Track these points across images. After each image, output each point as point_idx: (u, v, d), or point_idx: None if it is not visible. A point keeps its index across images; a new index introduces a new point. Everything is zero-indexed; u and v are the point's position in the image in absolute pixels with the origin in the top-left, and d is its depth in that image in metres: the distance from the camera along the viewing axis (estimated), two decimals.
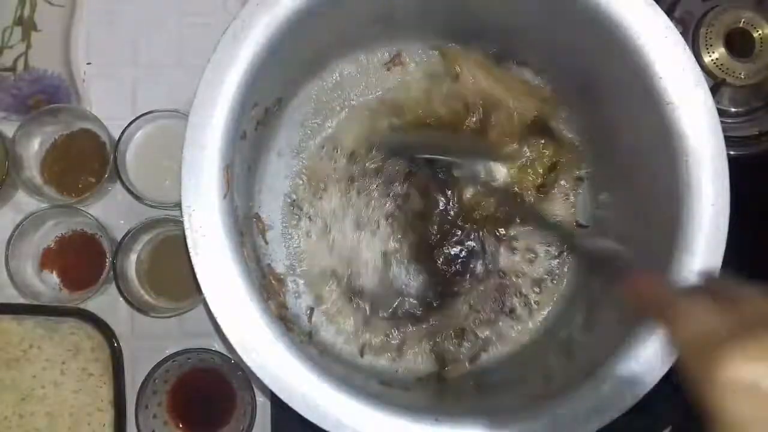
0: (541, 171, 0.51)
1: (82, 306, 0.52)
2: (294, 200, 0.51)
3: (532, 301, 0.51)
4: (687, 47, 0.40)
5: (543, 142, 0.51)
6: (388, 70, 0.52)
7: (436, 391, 0.47)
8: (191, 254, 0.38)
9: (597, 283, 0.47)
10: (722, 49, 0.56)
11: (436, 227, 0.50)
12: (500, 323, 0.50)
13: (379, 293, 0.50)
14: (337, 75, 0.52)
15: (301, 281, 0.51)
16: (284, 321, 0.44)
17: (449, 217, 0.51)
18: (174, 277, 0.53)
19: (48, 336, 0.52)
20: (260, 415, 0.51)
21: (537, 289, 0.51)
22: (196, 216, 0.38)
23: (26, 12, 0.56)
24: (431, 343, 0.50)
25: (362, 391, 0.38)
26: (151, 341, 0.53)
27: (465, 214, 0.51)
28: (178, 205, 0.40)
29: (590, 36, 0.43)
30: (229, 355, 0.50)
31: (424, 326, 0.50)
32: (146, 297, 0.54)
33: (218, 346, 0.53)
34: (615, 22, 0.41)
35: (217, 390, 0.52)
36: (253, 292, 0.38)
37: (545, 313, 0.51)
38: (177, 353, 0.50)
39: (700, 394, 0.23)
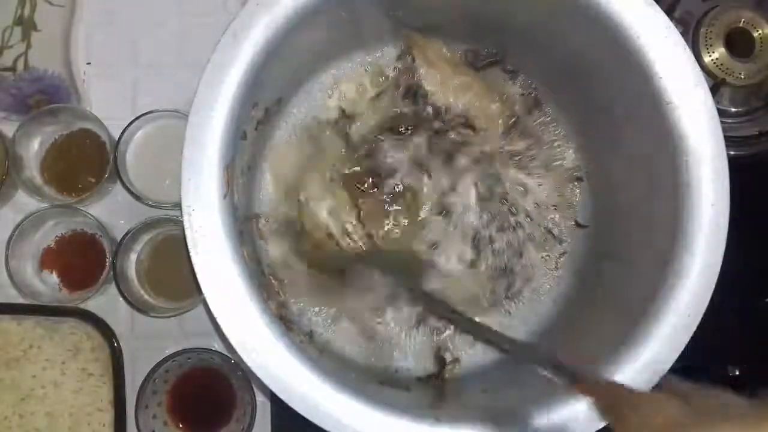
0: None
1: (82, 306, 0.52)
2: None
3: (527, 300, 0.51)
4: (687, 47, 0.40)
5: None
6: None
7: (436, 391, 0.47)
8: (191, 254, 0.38)
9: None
10: (722, 49, 0.56)
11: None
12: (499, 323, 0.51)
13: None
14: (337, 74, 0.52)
15: None
16: (284, 321, 0.44)
17: None
18: (174, 277, 0.53)
19: (48, 336, 0.52)
20: (260, 415, 0.51)
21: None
22: (196, 216, 0.38)
23: (26, 12, 0.56)
24: (432, 342, 0.50)
25: (362, 391, 0.38)
26: (151, 341, 0.53)
27: None
28: (178, 205, 0.40)
29: (590, 36, 0.43)
30: (229, 355, 0.50)
31: (424, 325, 0.50)
32: (146, 297, 0.54)
33: (218, 346, 0.53)
34: (615, 22, 0.41)
35: (217, 390, 0.52)
36: (253, 292, 0.38)
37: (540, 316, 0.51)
38: (177, 353, 0.50)
39: None
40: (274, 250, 0.49)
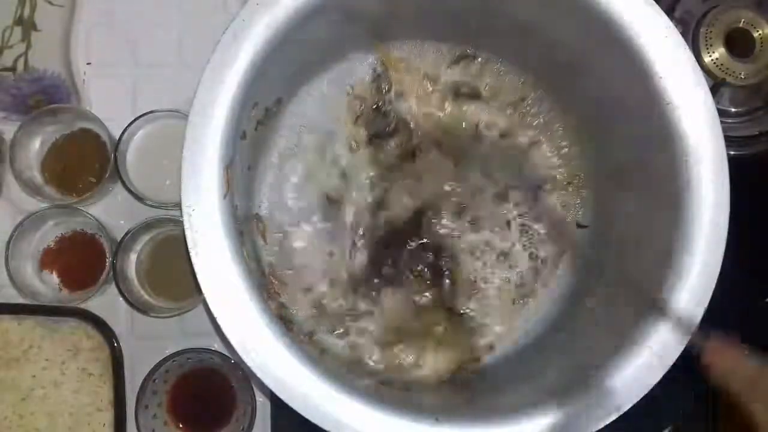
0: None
1: (82, 306, 0.52)
2: None
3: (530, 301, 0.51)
4: (687, 47, 0.40)
5: None
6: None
7: (437, 391, 0.47)
8: (191, 254, 0.38)
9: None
10: (722, 49, 0.56)
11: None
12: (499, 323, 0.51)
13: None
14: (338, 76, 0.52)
15: None
16: (284, 321, 0.44)
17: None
18: (174, 277, 0.53)
19: (48, 336, 0.52)
20: (260, 415, 0.51)
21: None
22: (196, 216, 0.38)
23: (26, 12, 0.56)
24: (432, 341, 0.50)
25: (362, 391, 0.38)
26: (151, 341, 0.53)
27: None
28: (178, 205, 0.40)
29: (590, 36, 0.43)
30: (229, 355, 0.50)
31: (425, 324, 0.50)
32: (146, 297, 0.54)
33: (218, 346, 0.53)
34: (615, 22, 0.41)
35: (217, 390, 0.52)
36: (253, 292, 0.38)
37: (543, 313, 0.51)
38: (177, 353, 0.50)
39: None
40: None
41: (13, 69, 0.56)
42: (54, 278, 0.54)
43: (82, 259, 0.54)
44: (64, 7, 0.56)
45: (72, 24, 0.56)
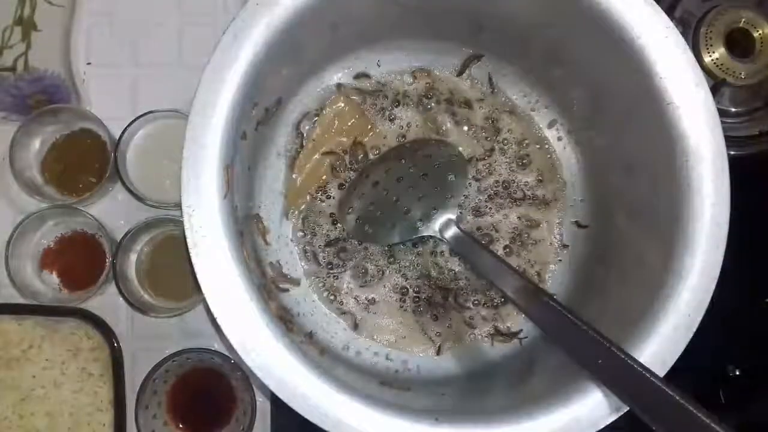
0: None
1: (82, 306, 0.52)
2: None
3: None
4: (687, 47, 0.40)
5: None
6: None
7: (437, 392, 0.47)
8: (191, 254, 0.37)
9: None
10: (722, 49, 0.56)
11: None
12: (498, 323, 0.51)
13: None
14: (339, 75, 0.52)
15: None
16: (284, 321, 0.44)
17: None
18: (174, 277, 0.53)
19: (48, 336, 0.52)
20: (260, 415, 0.51)
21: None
22: (196, 216, 0.38)
23: (26, 12, 0.56)
24: (432, 341, 0.50)
25: (362, 391, 0.38)
26: (151, 341, 0.53)
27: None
28: (178, 205, 0.40)
29: (590, 36, 0.43)
30: (229, 355, 0.50)
31: (425, 323, 0.50)
32: (146, 297, 0.54)
33: (218, 346, 0.53)
34: (615, 22, 0.41)
35: (217, 390, 0.52)
36: (253, 292, 0.38)
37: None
38: (177, 353, 0.50)
39: None
40: None
41: (13, 69, 0.56)
42: (54, 278, 0.54)
43: (82, 259, 0.54)
44: (64, 7, 0.56)
45: (72, 24, 0.56)
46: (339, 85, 0.51)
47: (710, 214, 0.39)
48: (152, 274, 0.54)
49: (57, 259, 0.54)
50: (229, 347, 0.38)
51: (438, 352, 0.50)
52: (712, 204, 0.39)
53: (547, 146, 0.52)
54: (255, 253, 0.47)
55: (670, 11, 0.57)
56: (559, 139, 0.52)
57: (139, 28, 0.57)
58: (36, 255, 0.54)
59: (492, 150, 0.52)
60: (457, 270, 0.51)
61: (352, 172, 0.51)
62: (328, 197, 0.51)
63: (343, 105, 0.51)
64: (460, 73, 0.52)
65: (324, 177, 0.51)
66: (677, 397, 0.34)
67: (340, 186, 0.51)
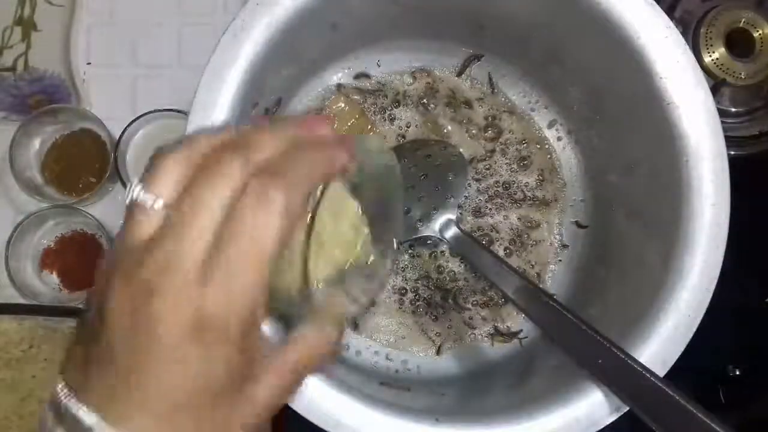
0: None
1: (82, 306, 0.52)
2: None
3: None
4: (687, 47, 0.40)
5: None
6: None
7: (437, 391, 0.47)
8: None
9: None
10: (722, 49, 0.56)
11: None
12: (498, 323, 0.51)
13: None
14: (339, 75, 0.52)
15: None
16: (284, 321, 0.44)
17: None
18: None
19: (48, 336, 0.52)
20: None
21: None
22: None
23: (26, 12, 0.56)
24: (432, 341, 0.50)
25: (362, 391, 0.38)
26: None
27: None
28: None
29: (590, 36, 0.43)
30: None
31: (424, 323, 0.50)
32: None
33: None
34: (615, 22, 0.41)
35: None
36: None
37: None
38: None
39: None
40: None
41: (13, 69, 0.56)
42: (54, 278, 0.54)
43: (82, 259, 0.54)
44: (64, 7, 0.56)
45: (72, 24, 0.56)
46: (339, 85, 0.51)
47: (710, 214, 0.39)
48: None
49: (57, 259, 0.54)
50: None
51: (438, 352, 0.50)
52: (712, 204, 0.39)
53: (547, 146, 0.52)
54: None
55: (670, 11, 0.57)
56: (559, 139, 0.52)
57: (139, 28, 0.57)
58: (36, 255, 0.54)
59: (493, 151, 0.52)
60: (456, 270, 0.51)
61: None
62: None
63: (343, 105, 0.51)
64: (460, 73, 0.52)
65: None
66: (677, 397, 0.34)
67: None
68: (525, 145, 0.52)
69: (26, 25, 0.56)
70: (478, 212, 0.51)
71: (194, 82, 0.39)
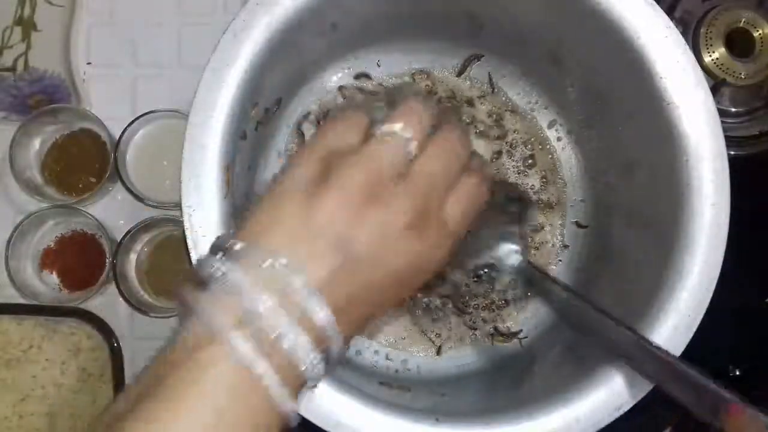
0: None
1: (82, 306, 0.52)
2: None
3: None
4: (687, 47, 0.40)
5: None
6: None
7: (437, 391, 0.47)
8: (191, 254, 0.37)
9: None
10: (722, 49, 0.56)
11: None
12: (498, 323, 0.51)
13: None
14: (339, 76, 0.52)
15: None
16: None
17: None
18: (174, 277, 0.53)
19: (48, 336, 0.52)
20: None
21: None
22: (196, 216, 0.38)
23: (26, 12, 0.56)
24: (432, 341, 0.50)
25: (362, 391, 0.38)
26: (151, 341, 0.53)
27: None
28: (178, 205, 0.40)
29: (590, 36, 0.43)
30: None
31: (424, 324, 0.50)
32: (146, 297, 0.54)
33: None
34: (615, 22, 0.41)
35: None
36: None
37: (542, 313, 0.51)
38: None
39: None
40: None
41: (13, 69, 0.56)
42: (54, 278, 0.54)
43: (82, 259, 0.54)
44: (64, 7, 0.56)
45: (72, 24, 0.56)
46: (339, 86, 0.51)
47: (710, 214, 0.39)
48: (152, 274, 0.54)
49: (57, 259, 0.54)
50: None
51: (438, 353, 0.50)
52: (712, 204, 0.39)
53: (548, 146, 0.52)
54: None
55: (670, 11, 0.57)
56: (559, 139, 0.52)
57: (139, 28, 0.57)
58: (36, 255, 0.54)
59: (500, 152, 0.52)
60: (457, 278, 0.51)
61: None
62: None
63: None
64: (460, 74, 0.52)
65: None
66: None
67: None
68: (530, 146, 0.52)
69: (26, 25, 0.56)
70: None
71: (194, 82, 0.39)
